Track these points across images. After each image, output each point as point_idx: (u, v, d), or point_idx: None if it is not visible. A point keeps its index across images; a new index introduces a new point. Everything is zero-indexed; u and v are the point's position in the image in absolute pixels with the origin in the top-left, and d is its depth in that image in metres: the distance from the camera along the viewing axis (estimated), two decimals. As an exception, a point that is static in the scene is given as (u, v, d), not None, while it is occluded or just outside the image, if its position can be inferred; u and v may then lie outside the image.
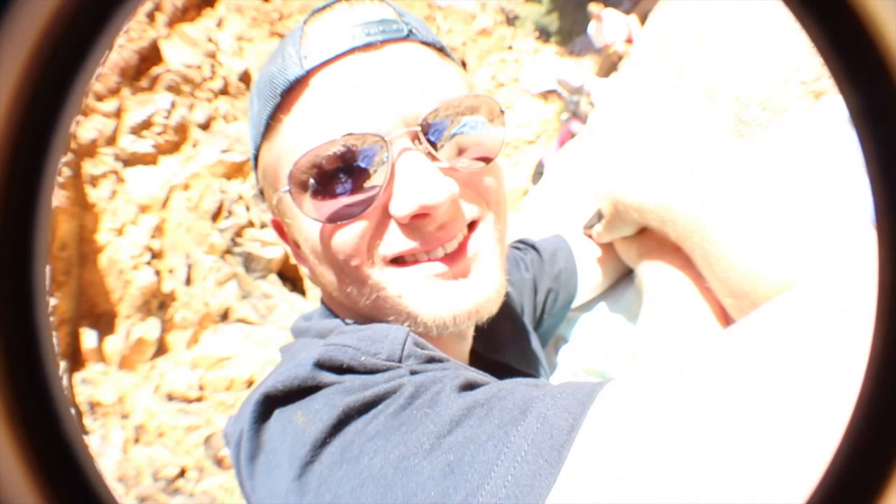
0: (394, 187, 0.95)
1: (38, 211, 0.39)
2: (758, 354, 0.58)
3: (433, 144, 0.97)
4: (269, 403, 0.84)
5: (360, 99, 0.94)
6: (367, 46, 0.96)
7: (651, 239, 1.37)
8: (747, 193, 1.08)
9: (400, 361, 0.83)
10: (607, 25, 11.20)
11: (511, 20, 20.21)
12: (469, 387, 0.78)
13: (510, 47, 18.76)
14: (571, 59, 15.16)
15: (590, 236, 1.61)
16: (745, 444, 0.51)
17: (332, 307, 1.16)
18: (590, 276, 1.63)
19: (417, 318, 0.99)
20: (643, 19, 8.15)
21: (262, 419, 0.84)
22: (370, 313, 1.03)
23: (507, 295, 1.26)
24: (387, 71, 0.96)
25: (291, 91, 0.97)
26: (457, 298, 0.99)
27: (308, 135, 0.95)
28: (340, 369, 0.82)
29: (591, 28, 11.53)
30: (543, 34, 19.28)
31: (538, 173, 10.99)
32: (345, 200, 0.94)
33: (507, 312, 1.10)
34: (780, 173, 1.31)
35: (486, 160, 1.03)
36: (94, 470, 0.42)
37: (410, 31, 1.01)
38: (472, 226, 1.03)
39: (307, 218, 0.98)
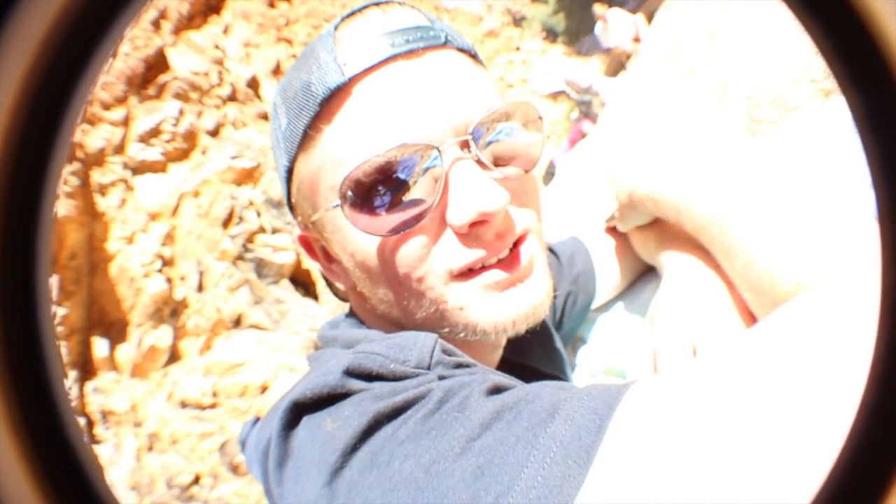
0: (449, 196, 0.94)
1: (41, 217, 0.38)
2: (777, 360, 0.58)
3: (484, 153, 0.97)
4: (298, 410, 0.84)
5: (409, 108, 0.93)
6: (409, 53, 0.95)
7: (668, 231, 1.37)
8: (764, 191, 1.08)
9: (429, 368, 0.84)
10: (613, 25, 11.22)
11: (518, 21, 20.29)
12: (497, 390, 0.79)
13: (518, 48, 18.83)
14: (579, 59, 15.17)
15: (612, 229, 1.61)
16: (768, 445, 0.52)
17: (362, 317, 1.16)
18: (608, 278, 1.64)
19: (477, 326, 0.99)
20: (650, 18, 8.15)
21: (291, 426, 0.84)
22: (424, 324, 1.02)
23: None
24: (432, 79, 0.95)
25: (332, 100, 0.95)
26: (516, 304, 0.99)
27: (355, 146, 0.93)
28: (370, 376, 0.83)
29: (598, 28, 11.55)
30: (550, 35, 19.34)
31: (549, 174, 10.98)
32: (401, 213, 0.94)
33: None
34: (794, 171, 1.30)
35: (527, 168, 1.03)
36: (98, 474, 0.41)
37: (447, 38, 1.00)
38: (522, 236, 1.03)
39: (358, 232, 0.97)
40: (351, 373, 0.83)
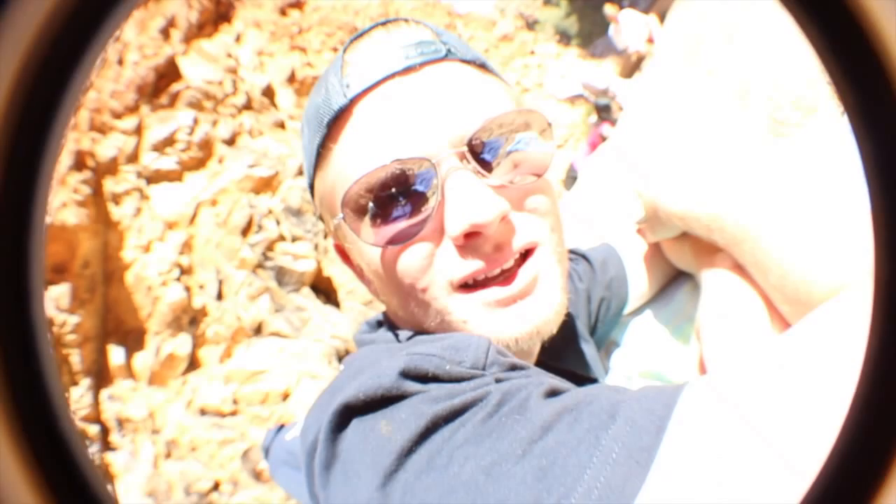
0: (445, 207, 0.96)
1: (34, 216, 0.39)
2: (817, 358, 0.60)
3: (484, 163, 0.98)
4: (349, 413, 0.84)
5: (404, 124, 0.96)
6: (407, 70, 0.98)
7: (703, 241, 1.38)
8: (791, 200, 1.09)
9: (484, 369, 0.85)
10: (626, 27, 11.21)
11: (531, 25, 20.34)
12: (553, 393, 0.79)
13: (532, 52, 18.84)
14: (593, 62, 15.17)
15: (643, 233, 1.61)
16: (821, 444, 0.52)
17: (396, 322, 1.17)
18: (640, 283, 1.67)
19: None
20: (662, 18, 8.13)
21: (340, 428, 0.85)
22: (435, 332, 1.04)
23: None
24: (427, 93, 0.98)
25: (337, 120, 1.00)
26: (518, 322, 1.00)
27: (357, 162, 0.97)
28: (426, 378, 0.83)
29: (611, 30, 11.54)
30: (564, 38, 19.38)
31: (570, 178, 10.99)
32: (400, 224, 0.97)
33: (566, 322, 1.15)
34: (820, 175, 1.30)
35: (535, 173, 1.04)
36: (96, 477, 0.42)
37: (449, 51, 1.02)
38: (530, 250, 1.04)
39: (366, 243, 1.01)
40: (406, 374, 0.83)
